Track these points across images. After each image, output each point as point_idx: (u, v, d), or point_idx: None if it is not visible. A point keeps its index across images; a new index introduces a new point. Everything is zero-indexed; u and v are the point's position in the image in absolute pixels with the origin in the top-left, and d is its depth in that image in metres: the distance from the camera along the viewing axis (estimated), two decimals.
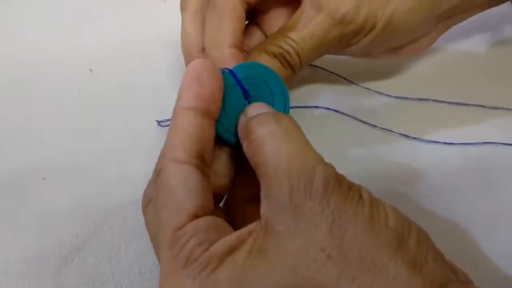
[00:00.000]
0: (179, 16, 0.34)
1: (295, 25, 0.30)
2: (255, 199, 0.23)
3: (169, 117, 0.36)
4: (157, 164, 0.24)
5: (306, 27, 0.30)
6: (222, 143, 0.26)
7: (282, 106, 0.28)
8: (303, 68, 0.31)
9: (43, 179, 0.35)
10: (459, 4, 0.33)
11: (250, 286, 0.19)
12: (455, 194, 0.33)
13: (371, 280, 0.19)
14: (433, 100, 0.38)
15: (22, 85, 0.41)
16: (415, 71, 0.40)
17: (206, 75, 0.24)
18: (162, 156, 0.23)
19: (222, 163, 0.26)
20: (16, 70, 0.42)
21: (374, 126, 0.37)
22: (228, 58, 0.29)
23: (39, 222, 0.32)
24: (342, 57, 0.37)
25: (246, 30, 0.34)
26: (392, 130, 0.36)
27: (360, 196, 0.21)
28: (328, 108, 0.38)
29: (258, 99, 0.27)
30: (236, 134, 0.26)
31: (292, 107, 0.37)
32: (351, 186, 0.21)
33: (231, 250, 0.20)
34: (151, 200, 0.24)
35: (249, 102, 0.27)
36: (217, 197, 0.25)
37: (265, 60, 0.30)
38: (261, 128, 0.23)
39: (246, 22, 0.35)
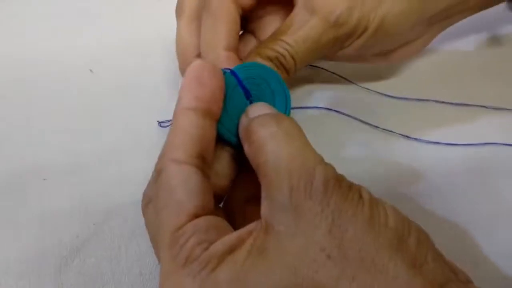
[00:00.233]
0: None
1: (289, 28, 0.31)
2: (256, 199, 0.23)
3: (169, 117, 0.37)
4: (157, 164, 0.24)
5: (300, 30, 0.30)
6: (224, 143, 0.26)
7: (284, 106, 0.28)
8: (298, 71, 0.31)
9: (44, 179, 0.35)
10: (450, 7, 0.33)
11: (250, 286, 0.19)
12: (456, 194, 0.33)
13: (371, 280, 0.19)
14: (434, 101, 0.38)
15: (22, 85, 0.41)
16: (416, 71, 0.40)
17: (207, 76, 0.24)
18: (162, 156, 0.23)
19: (223, 164, 0.26)
20: (16, 70, 0.42)
21: (375, 126, 0.37)
22: (224, 61, 0.29)
23: (39, 222, 0.32)
24: None
25: (241, 38, 0.35)
26: (393, 130, 0.36)
27: (360, 196, 0.21)
28: (329, 109, 0.38)
29: (259, 99, 0.27)
30: (237, 134, 0.26)
31: (292, 108, 0.37)
32: (351, 186, 0.21)
33: (231, 249, 0.20)
34: (151, 200, 0.24)
35: (251, 102, 0.27)
36: (217, 197, 0.25)
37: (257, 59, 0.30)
38: (262, 130, 0.23)
39: (241, 32, 0.35)
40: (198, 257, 0.20)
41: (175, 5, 0.34)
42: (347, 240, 0.19)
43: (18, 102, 0.40)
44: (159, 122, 0.37)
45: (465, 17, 0.36)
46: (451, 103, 0.38)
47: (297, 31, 0.30)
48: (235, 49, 0.31)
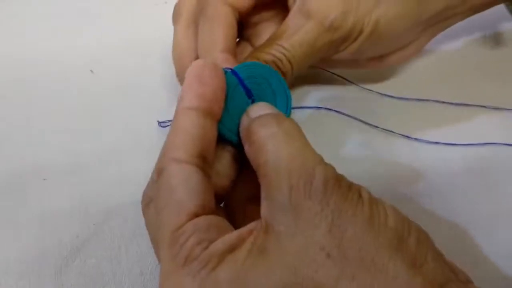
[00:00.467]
0: None
1: (285, 33, 0.31)
2: (256, 199, 0.23)
3: (169, 117, 0.37)
4: (158, 163, 0.24)
5: (296, 35, 0.30)
6: (225, 142, 0.26)
7: (284, 106, 0.28)
8: (294, 75, 0.31)
9: (44, 179, 0.35)
10: (444, 10, 0.33)
11: (250, 285, 0.19)
12: (456, 194, 0.33)
13: (371, 280, 0.19)
14: (434, 101, 0.38)
15: (22, 85, 0.41)
16: (416, 71, 0.40)
17: (208, 75, 0.24)
18: (163, 156, 0.23)
19: (224, 163, 0.26)
20: (16, 70, 0.42)
21: (375, 126, 0.37)
22: (221, 63, 0.29)
23: (39, 222, 0.32)
24: None
25: (237, 46, 0.35)
26: (393, 130, 0.36)
27: (360, 196, 0.21)
28: (329, 109, 0.38)
29: (260, 99, 0.27)
30: (238, 134, 0.26)
31: (293, 108, 0.37)
32: (350, 186, 0.21)
33: (231, 249, 0.20)
34: (152, 199, 0.24)
35: (252, 102, 0.27)
36: (218, 197, 0.25)
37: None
38: (263, 130, 0.23)
39: (237, 39, 0.36)
40: (198, 256, 0.20)
41: (172, 10, 0.34)
42: (346, 239, 0.19)
43: (18, 102, 0.40)
44: (159, 122, 0.37)
45: (459, 20, 0.36)
46: (451, 103, 0.38)
47: (293, 36, 0.30)
48: (233, 52, 0.31)
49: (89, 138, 0.37)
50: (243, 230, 0.21)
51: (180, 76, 0.34)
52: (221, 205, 0.27)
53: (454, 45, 0.42)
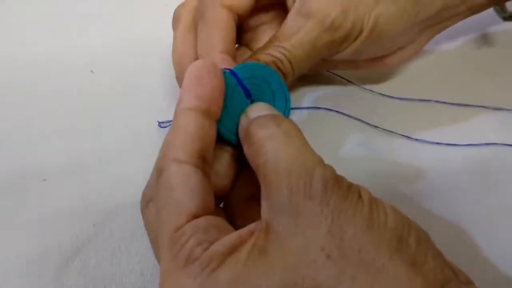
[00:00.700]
0: None
1: (285, 34, 0.31)
2: (256, 199, 0.23)
3: (169, 117, 0.36)
4: (157, 164, 0.24)
5: (297, 35, 0.30)
6: (224, 143, 0.26)
7: (283, 106, 0.28)
8: (295, 76, 0.31)
9: (44, 180, 0.35)
10: (442, 11, 0.33)
11: (251, 286, 0.19)
12: (456, 194, 0.33)
13: (371, 280, 0.19)
14: (434, 101, 0.38)
15: (22, 85, 0.41)
16: (416, 72, 0.40)
17: (207, 75, 0.24)
18: (163, 157, 0.23)
19: (223, 164, 0.26)
20: (16, 70, 0.42)
21: (376, 127, 0.37)
22: (219, 63, 0.29)
23: (39, 223, 0.32)
24: None
25: (236, 51, 0.35)
26: (394, 131, 0.36)
27: (360, 196, 0.21)
28: (329, 109, 0.38)
29: (259, 99, 0.27)
30: (237, 134, 0.26)
31: (293, 108, 0.37)
32: (350, 186, 0.21)
33: (232, 250, 0.20)
34: (151, 200, 0.24)
35: (251, 102, 0.27)
36: (217, 198, 0.25)
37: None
38: (262, 131, 0.23)
39: (236, 45, 0.36)
40: (199, 258, 0.20)
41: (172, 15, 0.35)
42: (347, 240, 0.19)
43: (18, 102, 0.40)
44: (159, 123, 0.37)
45: (457, 21, 0.36)
46: (452, 104, 0.38)
47: (293, 36, 0.30)
48: (231, 53, 0.31)
49: (89, 138, 0.37)
50: (243, 231, 0.21)
51: (180, 81, 0.34)
52: (220, 205, 0.27)
53: (454, 45, 0.42)
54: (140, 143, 0.36)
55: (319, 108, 0.38)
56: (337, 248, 0.19)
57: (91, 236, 0.32)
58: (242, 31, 0.36)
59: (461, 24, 0.37)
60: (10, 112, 0.39)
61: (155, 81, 0.40)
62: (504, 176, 0.34)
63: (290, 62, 0.30)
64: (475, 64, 0.41)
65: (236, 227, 0.22)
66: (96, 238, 0.32)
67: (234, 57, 0.31)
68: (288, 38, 0.30)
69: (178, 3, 0.35)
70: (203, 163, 0.23)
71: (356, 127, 0.37)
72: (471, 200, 0.33)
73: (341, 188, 0.21)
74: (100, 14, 0.46)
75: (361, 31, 0.31)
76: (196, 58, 0.32)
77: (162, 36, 0.37)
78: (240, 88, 0.27)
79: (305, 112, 0.38)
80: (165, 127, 0.36)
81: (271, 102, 0.27)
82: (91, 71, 0.41)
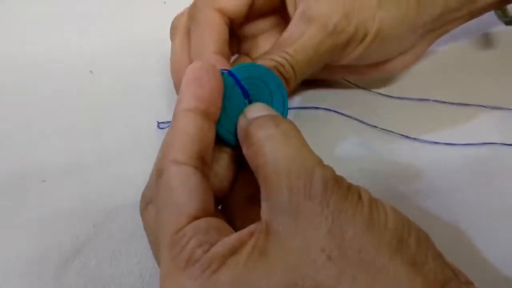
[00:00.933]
0: None
1: (287, 39, 0.31)
2: (255, 200, 0.23)
3: (169, 117, 0.36)
4: (156, 165, 0.24)
5: (299, 40, 0.30)
6: (222, 144, 0.26)
7: (281, 106, 0.28)
8: (298, 82, 0.31)
9: (44, 180, 0.35)
10: (443, 14, 0.33)
11: (252, 287, 0.19)
12: (455, 194, 0.33)
13: (371, 280, 0.19)
14: (434, 101, 0.38)
15: (22, 85, 0.41)
16: (415, 71, 0.40)
17: (205, 76, 0.24)
18: (162, 158, 0.23)
19: (222, 165, 0.26)
20: (16, 70, 0.42)
21: (375, 126, 0.37)
22: (212, 63, 0.30)
23: (39, 223, 0.32)
24: None
25: (236, 61, 0.35)
26: (393, 130, 0.36)
27: (360, 197, 0.21)
28: (328, 109, 0.38)
29: (257, 99, 0.27)
30: (236, 135, 0.26)
31: (292, 108, 0.37)
32: (350, 187, 0.21)
33: (232, 251, 0.20)
34: (150, 201, 0.24)
35: (249, 102, 0.27)
36: (216, 199, 0.25)
37: None
38: (261, 132, 0.23)
39: (236, 55, 0.36)
40: (199, 259, 0.20)
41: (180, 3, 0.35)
42: (347, 240, 0.19)
43: (18, 102, 0.40)
44: (159, 123, 0.37)
45: (456, 26, 0.36)
46: (450, 103, 0.38)
47: (296, 41, 0.30)
48: (225, 54, 0.31)
49: (89, 139, 0.37)
50: (243, 232, 0.21)
51: (178, 89, 0.34)
52: (219, 207, 0.27)
53: (453, 45, 0.42)
54: (140, 143, 0.36)
55: (317, 108, 0.38)
56: (337, 249, 0.19)
57: (90, 237, 0.32)
58: (241, 40, 0.36)
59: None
60: (10, 112, 0.39)
61: (155, 81, 0.40)
62: (503, 176, 0.34)
63: (292, 67, 0.30)
64: (474, 64, 0.41)
65: (235, 229, 0.22)
66: (96, 239, 0.32)
67: (228, 58, 0.31)
68: (291, 43, 0.30)
69: (178, 3, 0.35)
70: (202, 164, 0.23)
71: (355, 127, 0.37)
72: (470, 200, 0.33)
73: (341, 189, 0.21)
74: (100, 14, 0.46)
75: (365, 35, 0.31)
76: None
77: (162, 36, 0.37)
78: (238, 88, 0.27)
79: (303, 112, 0.38)
80: (164, 128, 0.36)
81: (269, 102, 0.27)
82: (90, 71, 0.41)
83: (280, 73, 0.29)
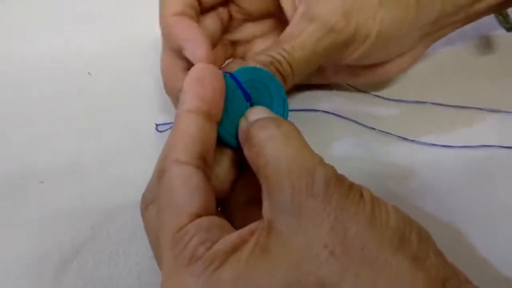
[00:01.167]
0: None
1: (286, 37, 0.31)
2: (255, 202, 0.24)
3: (169, 118, 0.36)
4: (158, 165, 0.24)
5: (298, 38, 0.30)
6: (223, 146, 0.26)
7: (281, 109, 0.28)
8: (296, 81, 0.31)
9: (43, 181, 0.34)
10: (439, 18, 0.33)
11: (254, 284, 0.19)
12: (452, 196, 0.34)
13: (374, 276, 0.19)
14: (431, 103, 0.38)
15: (22, 85, 0.41)
16: (413, 74, 0.40)
17: (208, 77, 0.25)
18: (164, 158, 0.23)
19: (223, 166, 0.26)
20: (15, 70, 0.42)
21: (373, 128, 0.37)
22: (171, 23, 0.30)
23: (38, 224, 0.32)
24: None
25: (229, 64, 0.35)
26: (391, 132, 0.36)
27: (361, 195, 0.21)
28: (327, 112, 0.38)
29: (258, 102, 0.27)
30: (237, 137, 0.26)
31: (291, 110, 0.37)
32: (351, 185, 0.21)
33: (234, 248, 0.20)
34: (152, 201, 0.24)
35: (251, 105, 0.27)
36: (216, 201, 0.25)
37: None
38: (262, 133, 0.23)
39: (231, 59, 0.37)
40: (202, 257, 0.20)
41: None
42: (349, 237, 0.20)
43: (18, 102, 0.40)
44: (157, 125, 0.36)
45: (453, 30, 0.36)
46: (448, 105, 0.38)
47: (294, 39, 0.30)
48: (186, 13, 0.31)
49: (88, 139, 0.37)
50: (244, 230, 0.21)
51: (167, 89, 0.34)
52: (218, 209, 0.27)
53: (451, 48, 0.43)
54: (139, 144, 0.36)
55: (316, 110, 0.38)
56: (340, 245, 0.19)
57: (89, 238, 0.32)
58: (236, 44, 0.37)
59: None
60: (9, 112, 0.39)
61: (155, 81, 0.40)
62: (500, 178, 0.34)
63: (289, 65, 0.30)
64: (472, 67, 0.42)
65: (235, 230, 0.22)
66: (94, 240, 0.32)
67: (190, 17, 0.31)
68: (289, 40, 0.30)
69: None
70: (204, 164, 0.23)
71: (353, 129, 0.37)
72: (467, 201, 0.33)
73: (343, 187, 0.21)
74: (100, 14, 0.46)
75: (366, 36, 0.31)
76: (185, 67, 0.32)
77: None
78: (240, 91, 0.27)
79: (302, 114, 0.38)
80: (162, 130, 0.36)
81: (270, 105, 0.27)
82: (89, 72, 0.41)
83: (277, 70, 0.29)
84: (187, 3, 0.31)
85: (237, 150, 0.26)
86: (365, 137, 0.37)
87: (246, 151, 0.24)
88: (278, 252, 0.20)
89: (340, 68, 0.36)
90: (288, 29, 0.31)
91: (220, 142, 0.26)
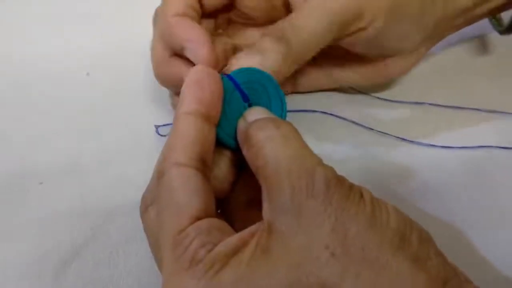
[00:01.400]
0: None
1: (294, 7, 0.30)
2: (254, 204, 0.24)
3: (169, 118, 0.36)
4: (157, 167, 0.24)
5: (305, 9, 0.29)
6: (222, 147, 0.27)
7: (280, 110, 0.28)
8: (308, 51, 0.29)
9: (43, 182, 0.34)
10: (441, 21, 0.33)
11: (255, 285, 0.19)
12: (451, 196, 0.34)
13: (375, 276, 0.19)
14: (429, 104, 0.38)
15: (22, 85, 0.41)
16: (411, 75, 0.40)
17: (206, 79, 0.25)
18: (163, 160, 0.23)
19: (222, 168, 0.26)
20: (15, 70, 0.42)
21: (371, 129, 0.37)
22: (173, 23, 0.30)
23: (38, 225, 0.32)
24: None
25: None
26: (389, 133, 0.36)
27: (361, 196, 0.21)
28: (325, 112, 0.38)
29: (256, 103, 0.27)
30: (236, 138, 0.26)
31: (290, 111, 0.37)
32: (352, 186, 0.22)
33: (235, 251, 0.20)
34: (152, 203, 0.24)
35: (249, 106, 0.27)
36: (216, 202, 0.25)
37: (263, 40, 0.29)
38: (261, 133, 0.23)
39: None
40: (202, 259, 0.20)
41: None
42: (350, 238, 0.20)
43: (18, 103, 0.40)
44: (156, 127, 0.36)
45: (452, 32, 0.36)
46: (446, 106, 0.38)
47: (302, 8, 0.29)
48: (191, 15, 0.31)
49: (88, 140, 0.37)
50: (245, 232, 0.21)
51: (157, 77, 0.33)
52: (218, 211, 0.27)
53: (449, 49, 0.43)
54: (139, 144, 0.36)
55: (315, 111, 0.38)
56: (340, 246, 0.19)
57: (89, 239, 0.32)
58: (238, 49, 0.36)
59: None
60: (9, 112, 0.39)
61: (155, 81, 0.40)
62: (499, 178, 0.35)
63: (296, 29, 0.28)
64: (470, 68, 0.42)
65: (235, 232, 0.22)
66: (94, 241, 0.32)
67: (197, 21, 0.31)
68: (291, 18, 0.29)
69: None
70: (203, 166, 0.23)
71: (352, 130, 0.37)
72: (466, 202, 0.33)
73: (343, 188, 0.21)
74: (100, 14, 0.46)
75: (376, 16, 0.30)
76: (172, 52, 0.32)
77: None
78: (238, 92, 0.27)
79: (301, 115, 0.38)
80: (164, 135, 0.36)
81: (268, 106, 0.27)
82: (87, 73, 0.41)
83: (283, 36, 0.28)
84: (189, 5, 0.31)
85: (236, 151, 0.26)
86: (363, 138, 0.37)
87: (245, 152, 0.24)
88: (279, 252, 0.20)
89: (346, 66, 0.36)
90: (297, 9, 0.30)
91: (219, 144, 0.26)
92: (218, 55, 0.34)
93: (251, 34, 0.36)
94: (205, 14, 0.33)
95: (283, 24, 0.29)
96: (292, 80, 0.37)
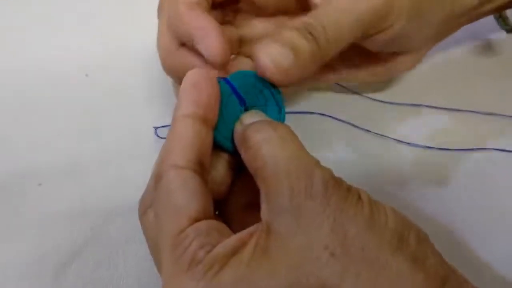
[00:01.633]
0: None
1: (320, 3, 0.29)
2: (252, 206, 0.24)
3: (168, 119, 0.36)
4: (155, 170, 0.24)
5: (333, 8, 0.28)
6: (220, 150, 0.27)
7: (277, 113, 0.28)
8: (333, 51, 0.28)
9: (42, 183, 0.34)
10: (449, 19, 0.33)
11: (255, 286, 0.19)
12: (449, 199, 0.34)
13: (375, 276, 0.19)
14: (426, 106, 0.39)
15: (21, 86, 0.41)
16: (409, 77, 0.40)
17: (203, 82, 0.25)
18: (161, 162, 0.23)
19: (220, 170, 0.26)
20: (14, 71, 0.42)
21: (368, 131, 0.37)
22: (184, 12, 0.29)
23: (37, 226, 0.32)
24: None
25: (234, 62, 0.34)
26: (386, 135, 0.37)
27: (359, 198, 0.21)
28: (323, 114, 0.38)
29: (253, 107, 0.27)
30: (233, 141, 0.26)
31: (287, 113, 0.37)
32: (349, 187, 0.22)
33: (234, 251, 0.20)
34: (150, 206, 0.24)
35: (246, 110, 0.27)
36: (214, 204, 0.26)
37: (286, 34, 0.27)
38: (258, 135, 0.23)
39: (233, 56, 0.35)
40: (202, 260, 0.20)
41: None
42: (349, 238, 0.20)
43: (17, 103, 0.39)
44: (155, 129, 0.37)
45: (453, 32, 0.36)
46: (443, 108, 0.39)
47: (329, 3, 0.28)
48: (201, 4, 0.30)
49: (88, 140, 0.37)
50: (244, 233, 0.21)
51: (164, 67, 0.33)
52: (216, 213, 0.27)
53: (448, 51, 0.43)
54: (139, 144, 0.36)
55: (312, 113, 0.38)
56: (340, 246, 0.20)
57: (88, 239, 0.32)
58: (244, 41, 0.36)
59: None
60: (8, 112, 0.39)
61: (155, 82, 0.40)
62: (496, 181, 0.35)
63: (323, 28, 0.28)
64: (468, 70, 0.42)
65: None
66: (94, 242, 0.32)
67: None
68: (321, 7, 0.28)
69: None
70: (201, 168, 0.23)
71: (348, 131, 0.37)
72: (464, 204, 0.34)
73: (341, 189, 0.21)
74: (100, 14, 0.46)
75: (401, 11, 0.30)
76: (180, 44, 0.32)
77: None
78: (235, 96, 0.27)
79: (298, 117, 0.38)
80: (163, 137, 0.36)
81: (264, 109, 0.28)
82: (86, 74, 0.41)
83: (310, 33, 0.27)
84: None
85: (233, 154, 0.26)
86: (361, 139, 0.37)
87: (242, 154, 0.24)
88: (278, 253, 0.20)
89: (354, 62, 0.36)
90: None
91: (217, 147, 0.26)
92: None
93: (258, 25, 0.36)
94: (215, 4, 0.33)
95: (309, 21, 0.28)
96: None
